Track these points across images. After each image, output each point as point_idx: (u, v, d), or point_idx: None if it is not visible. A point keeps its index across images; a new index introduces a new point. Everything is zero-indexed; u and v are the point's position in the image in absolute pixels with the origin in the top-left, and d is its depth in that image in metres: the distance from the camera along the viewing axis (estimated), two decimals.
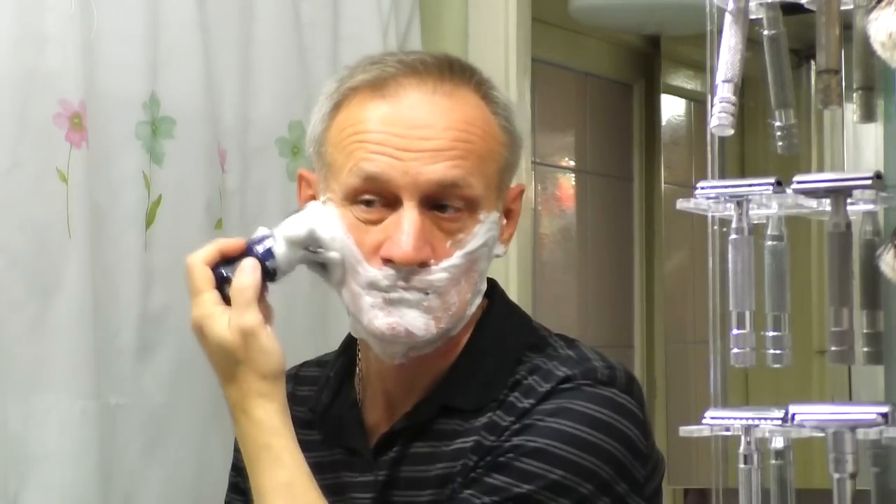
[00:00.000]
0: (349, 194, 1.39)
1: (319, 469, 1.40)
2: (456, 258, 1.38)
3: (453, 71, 1.42)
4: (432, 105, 1.39)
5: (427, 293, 1.37)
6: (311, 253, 1.39)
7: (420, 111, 1.39)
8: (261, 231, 1.40)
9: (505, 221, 1.45)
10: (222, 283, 1.37)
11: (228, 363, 1.35)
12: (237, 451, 1.53)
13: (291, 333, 2.04)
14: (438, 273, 1.37)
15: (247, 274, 1.36)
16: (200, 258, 1.38)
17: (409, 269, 1.36)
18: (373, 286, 1.37)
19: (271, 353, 1.36)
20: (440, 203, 1.38)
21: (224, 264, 1.38)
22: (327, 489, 1.39)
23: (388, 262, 1.36)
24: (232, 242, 1.40)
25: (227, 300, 1.36)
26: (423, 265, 1.36)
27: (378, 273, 1.37)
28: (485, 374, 1.42)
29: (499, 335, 1.45)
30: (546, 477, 1.32)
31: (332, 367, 1.53)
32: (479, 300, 1.43)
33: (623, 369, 1.41)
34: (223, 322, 1.35)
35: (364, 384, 1.49)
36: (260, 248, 1.38)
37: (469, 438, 1.39)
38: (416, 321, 1.37)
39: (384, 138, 1.37)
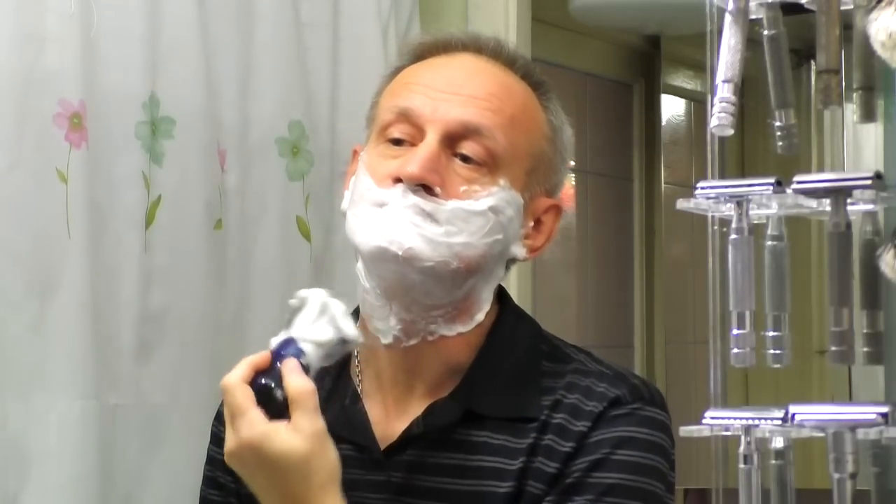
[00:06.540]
0: (381, 131, 1.38)
1: None
2: (466, 204, 1.35)
3: (515, 64, 1.43)
4: (483, 70, 1.40)
5: (434, 219, 1.33)
6: (339, 348, 1.33)
7: (470, 70, 1.40)
8: (279, 337, 1.32)
9: (532, 228, 1.42)
10: (267, 395, 1.26)
11: (297, 477, 1.25)
12: (214, 444, 1.52)
13: None
14: (446, 204, 1.34)
15: (301, 377, 1.27)
16: (237, 378, 1.27)
17: (414, 189, 1.33)
18: (376, 204, 1.35)
19: (335, 456, 1.28)
20: (463, 151, 1.36)
21: (260, 376, 1.28)
22: None
23: (397, 181, 1.35)
24: (260, 356, 1.29)
25: (272, 412, 1.26)
26: (429, 191, 1.34)
27: (384, 192, 1.35)
28: (505, 379, 1.40)
29: (513, 340, 1.42)
30: None
31: None
32: (493, 285, 1.41)
33: (649, 382, 1.43)
34: (288, 435, 1.25)
35: (363, 374, 1.45)
36: (289, 352, 1.29)
37: (513, 461, 1.36)
38: (416, 240, 1.33)
39: (428, 80, 1.38)
